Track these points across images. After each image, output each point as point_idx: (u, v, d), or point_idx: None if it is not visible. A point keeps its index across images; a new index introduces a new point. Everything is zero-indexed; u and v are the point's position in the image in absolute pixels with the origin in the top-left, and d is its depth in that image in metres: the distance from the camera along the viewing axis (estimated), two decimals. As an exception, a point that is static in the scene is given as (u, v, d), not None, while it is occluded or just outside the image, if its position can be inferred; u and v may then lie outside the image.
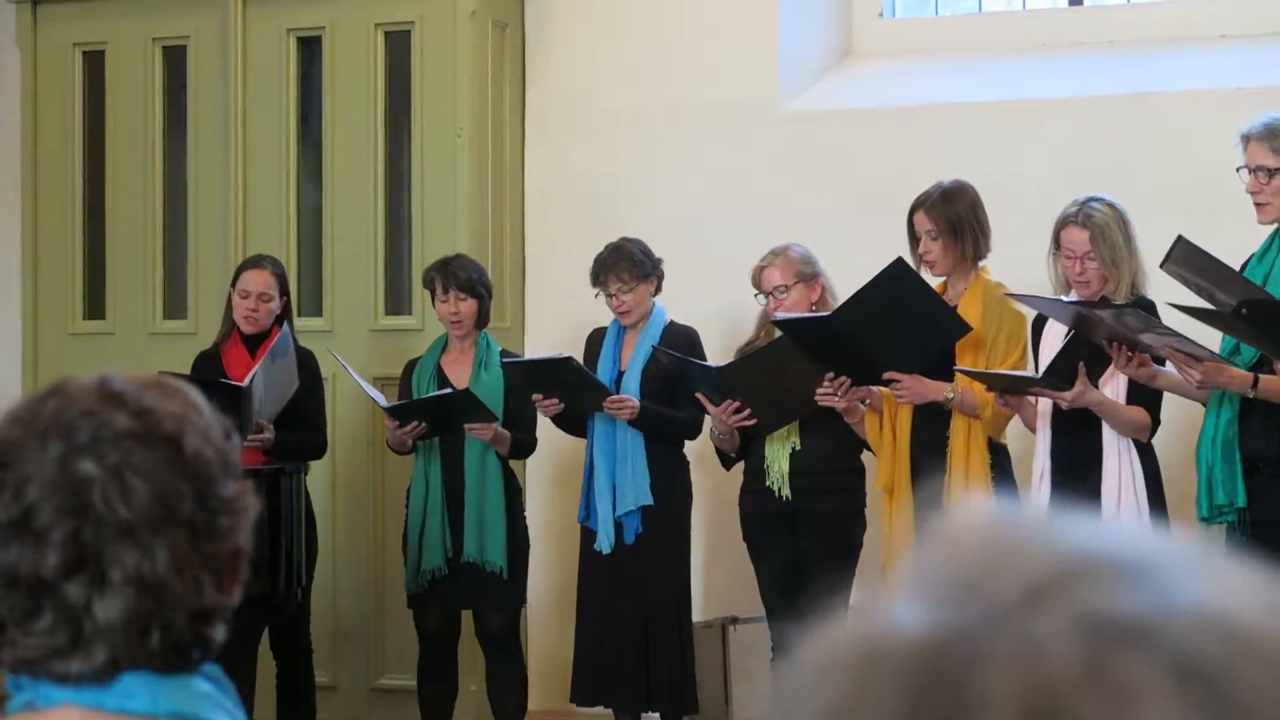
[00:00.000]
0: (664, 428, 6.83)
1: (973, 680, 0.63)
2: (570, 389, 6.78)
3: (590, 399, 6.77)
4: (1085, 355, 5.62)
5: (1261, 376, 5.37)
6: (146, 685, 1.69)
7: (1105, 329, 5.49)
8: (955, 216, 6.15)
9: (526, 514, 7.21)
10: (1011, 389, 5.89)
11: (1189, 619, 0.64)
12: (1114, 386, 5.75)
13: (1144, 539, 0.69)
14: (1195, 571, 0.67)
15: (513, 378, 6.92)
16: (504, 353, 7.13)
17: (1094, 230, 5.78)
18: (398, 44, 8.19)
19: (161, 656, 1.69)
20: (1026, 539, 0.68)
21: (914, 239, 6.22)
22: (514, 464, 7.19)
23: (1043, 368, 5.79)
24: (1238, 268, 5.58)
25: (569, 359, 6.76)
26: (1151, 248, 5.89)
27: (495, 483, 6.94)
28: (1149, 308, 5.66)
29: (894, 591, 0.68)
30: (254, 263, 7.22)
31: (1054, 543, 0.68)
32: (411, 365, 7.21)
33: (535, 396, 6.82)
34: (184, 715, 1.70)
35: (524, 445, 7.04)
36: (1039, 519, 0.70)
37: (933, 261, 6.17)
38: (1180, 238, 5.41)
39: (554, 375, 6.78)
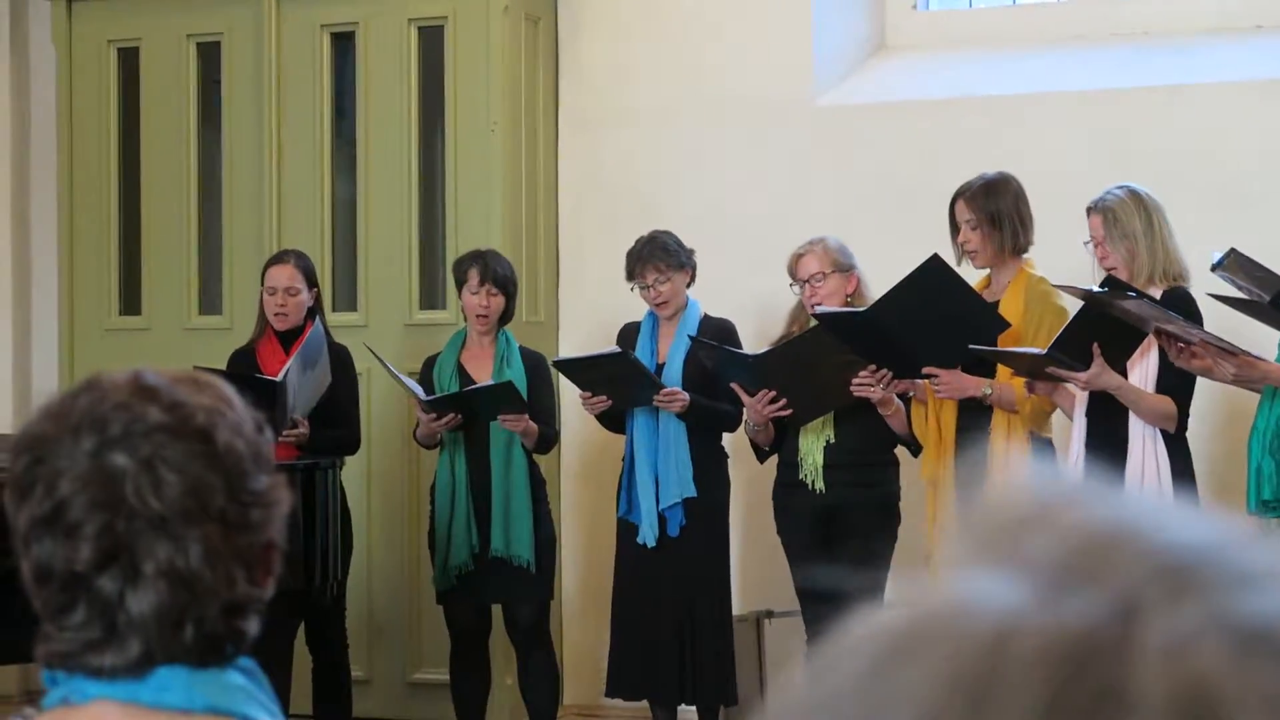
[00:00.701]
0: (709, 419, 6.83)
1: (1122, 675, 0.62)
2: (620, 384, 6.77)
3: (641, 393, 6.76)
4: (1103, 336, 5.56)
5: None
6: (181, 679, 1.69)
7: (1128, 316, 5.45)
8: (995, 207, 6.14)
9: (556, 508, 7.21)
10: (1029, 370, 5.85)
11: None
12: (1141, 373, 5.70)
13: (1247, 533, 0.67)
14: None
15: (569, 374, 6.92)
16: (523, 349, 7.12)
17: (1106, 215, 5.76)
18: (431, 39, 8.20)
19: (195, 649, 1.69)
20: (1124, 522, 0.67)
21: (955, 228, 6.22)
22: (544, 458, 7.19)
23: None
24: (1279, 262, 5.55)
25: (625, 352, 6.75)
26: (1187, 239, 5.86)
27: (521, 476, 6.94)
28: (1186, 300, 5.62)
29: (983, 570, 0.66)
30: (277, 259, 7.26)
31: (1158, 530, 0.66)
32: (430, 361, 7.21)
33: (582, 394, 6.82)
34: (219, 709, 1.70)
35: (548, 438, 7.04)
36: (1116, 498, 0.68)
37: (973, 252, 6.15)
38: (1232, 250, 5.37)
39: (605, 371, 6.77)
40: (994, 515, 0.69)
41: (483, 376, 7.00)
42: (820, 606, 6.40)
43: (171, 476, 1.67)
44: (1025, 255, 6.23)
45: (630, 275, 6.93)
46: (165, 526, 1.66)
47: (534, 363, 7.10)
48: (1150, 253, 5.72)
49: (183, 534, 1.67)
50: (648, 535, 6.80)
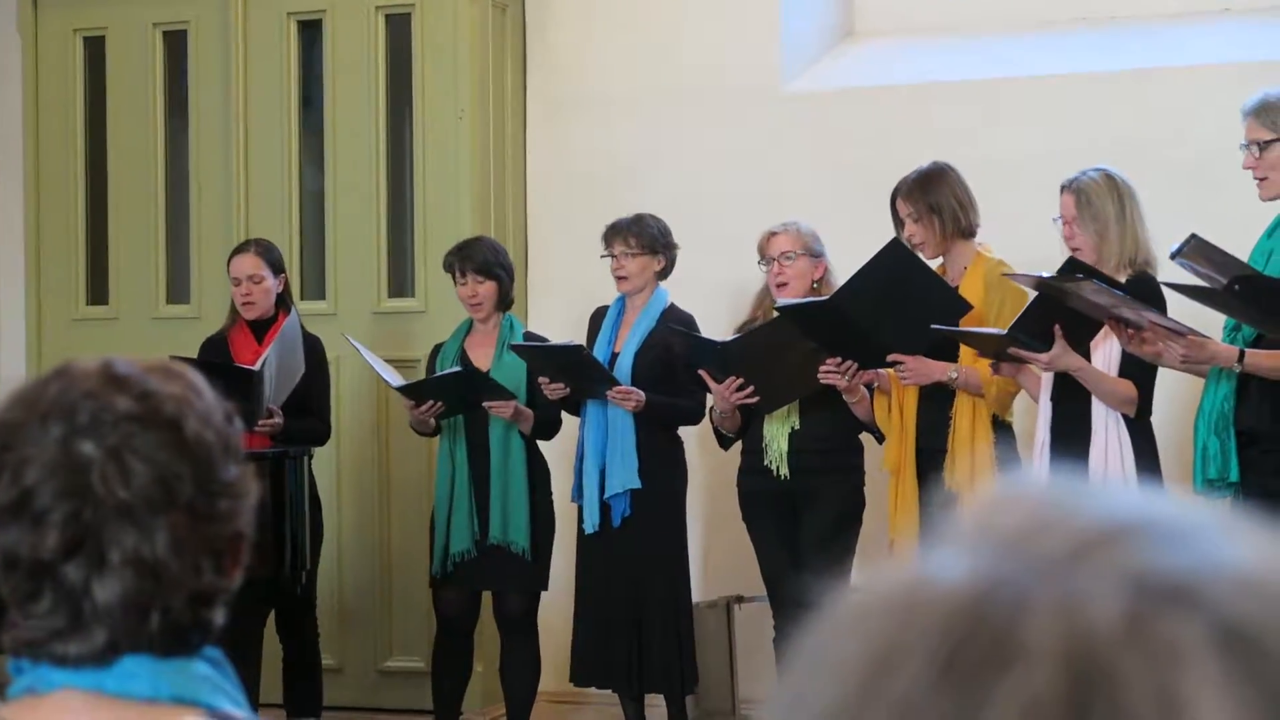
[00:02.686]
0: (669, 417, 6.82)
1: (1014, 629, 0.63)
2: (578, 376, 6.77)
3: (595, 387, 6.77)
4: (1065, 317, 5.57)
5: (1247, 351, 5.35)
6: (147, 668, 1.69)
7: (1080, 302, 5.47)
8: (933, 197, 6.18)
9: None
10: (992, 351, 5.87)
11: (1232, 581, 0.64)
12: (1103, 356, 5.71)
13: (1186, 505, 0.69)
14: (1235, 535, 0.67)
15: (525, 361, 6.91)
16: (528, 335, 7.13)
17: (1080, 196, 5.77)
18: (398, 27, 8.19)
19: (161, 639, 1.69)
20: (1072, 500, 0.68)
21: (899, 225, 6.27)
22: (541, 445, 7.17)
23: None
24: (1248, 244, 5.56)
25: (580, 347, 6.76)
26: (1154, 222, 5.87)
27: (519, 463, 6.92)
28: (1150, 285, 5.63)
29: (935, 547, 0.68)
30: (239, 249, 7.26)
31: (1100, 504, 0.68)
32: (436, 349, 7.20)
33: (541, 380, 6.82)
34: (185, 698, 1.70)
35: (549, 423, 7.00)
36: (1075, 486, 0.70)
37: (920, 244, 6.19)
38: (1193, 235, 5.39)
39: (563, 361, 6.77)
40: (972, 508, 0.70)
41: (484, 362, 6.99)
42: (786, 593, 6.41)
43: (139, 465, 1.67)
44: (977, 240, 6.25)
45: (605, 244, 6.94)
46: (132, 515, 1.66)
47: None
48: (1119, 238, 5.73)
49: (150, 523, 1.66)
50: (589, 523, 6.81)
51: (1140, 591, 0.63)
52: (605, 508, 6.79)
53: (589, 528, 6.80)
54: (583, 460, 6.88)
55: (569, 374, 6.77)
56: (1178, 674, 0.61)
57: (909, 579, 0.67)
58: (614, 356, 6.87)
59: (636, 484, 6.73)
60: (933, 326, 5.87)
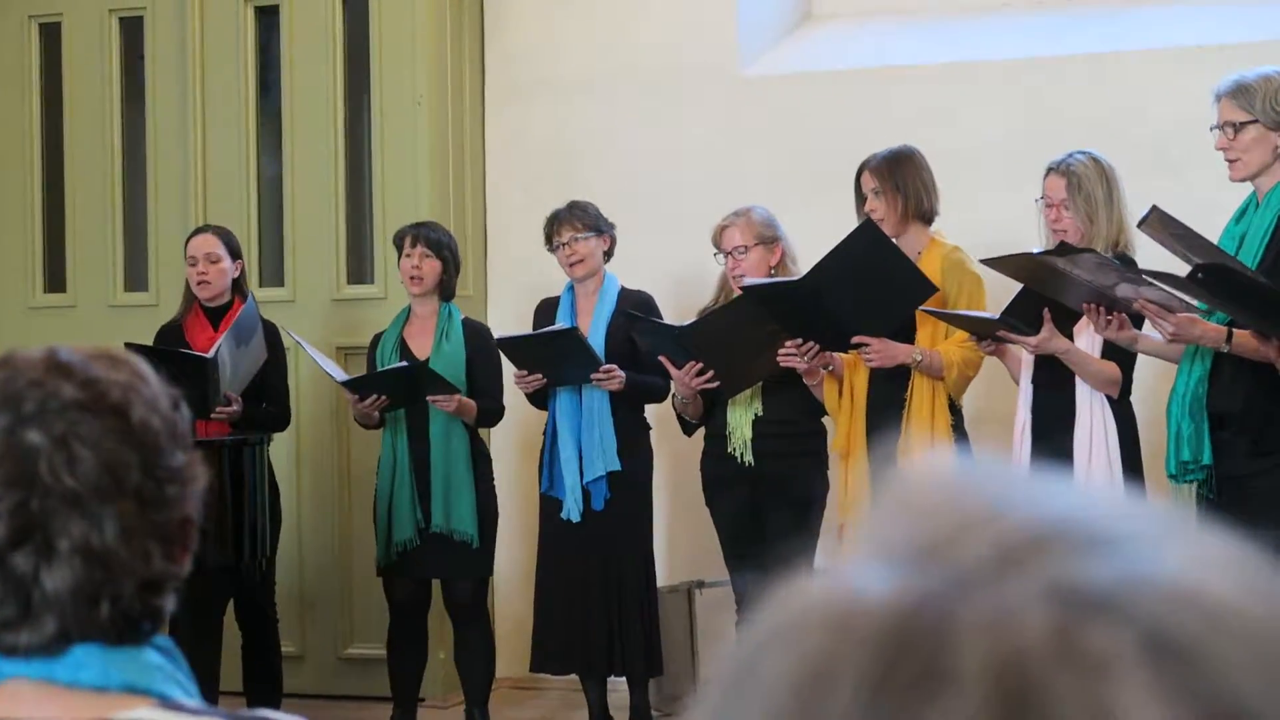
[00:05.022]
0: (640, 394, 6.84)
1: (943, 651, 0.62)
2: (560, 363, 6.75)
3: (579, 372, 6.76)
4: (1051, 301, 5.61)
5: (1235, 331, 5.37)
6: (97, 657, 1.68)
7: (1073, 284, 5.48)
8: (900, 175, 6.21)
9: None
10: (978, 333, 5.91)
11: (1162, 591, 0.63)
12: (1088, 338, 5.76)
13: (1116, 505, 0.67)
14: (1169, 542, 0.65)
15: (510, 353, 6.89)
16: (467, 322, 7.11)
17: (1071, 179, 5.82)
18: (356, 12, 8.17)
19: (111, 627, 1.68)
20: (994, 502, 0.67)
21: (861, 199, 6.29)
22: (481, 433, 7.18)
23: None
24: (1215, 227, 5.57)
25: (574, 329, 6.73)
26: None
27: (461, 452, 6.93)
28: (1130, 266, 5.65)
29: (856, 553, 0.67)
30: (197, 231, 7.25)
31: (1023, 507, 0.66)
32: (376, 339, 7.19)
33: (518, 374, 6.81)
34: (136, 687, 1.69)
35: (491, 413, 7.03)
36: (1004, 480, 0.68)
37: (880, 220, 6.20)
38: (1154, 207, 5.40)
39: (548, 350, 6.75)
40: (888, 506, 0.69)
41: (423, 350, 6.98)
42: (748, 577, 6.42)
43: (86, 453, 1.66)
44: (934, 227, 6.27)
45: (549, 239, 6.94)
46: (80, 504, 1.65)
47: (476, 335, 7.08)
48: (1107, 221, 5.78)
49: (98, 511, 1.66)
50: (572, 510, 6.80)
51: (1067, 604, 0.62)
52: (586, 493, 6.80)
53: (574, 515, 6.79)
54: (554, 449, 6.87)
55: (553, 363, 6.75)
56: (1109, 688, 0.60)
57: (835, 593, 0.65)
58: None
59: (617, 465, 6.75)
60: (920, 308, 5.92)
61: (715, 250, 6.66)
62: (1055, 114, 7.43)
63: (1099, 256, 5.41)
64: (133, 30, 8.48)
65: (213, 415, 6.74)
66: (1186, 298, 5.35)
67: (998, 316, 5.76)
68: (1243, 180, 5.54)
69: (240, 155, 8.24)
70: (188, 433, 1.76)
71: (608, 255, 6.98)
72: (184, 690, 1.72)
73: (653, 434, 7.04)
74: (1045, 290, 5.55)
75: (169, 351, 6.75)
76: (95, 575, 1.66)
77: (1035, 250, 5.62)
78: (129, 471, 1.67)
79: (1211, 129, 5.60)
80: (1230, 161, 5.55)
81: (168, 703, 1.69)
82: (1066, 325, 5.72)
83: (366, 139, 8.19)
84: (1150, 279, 5.36)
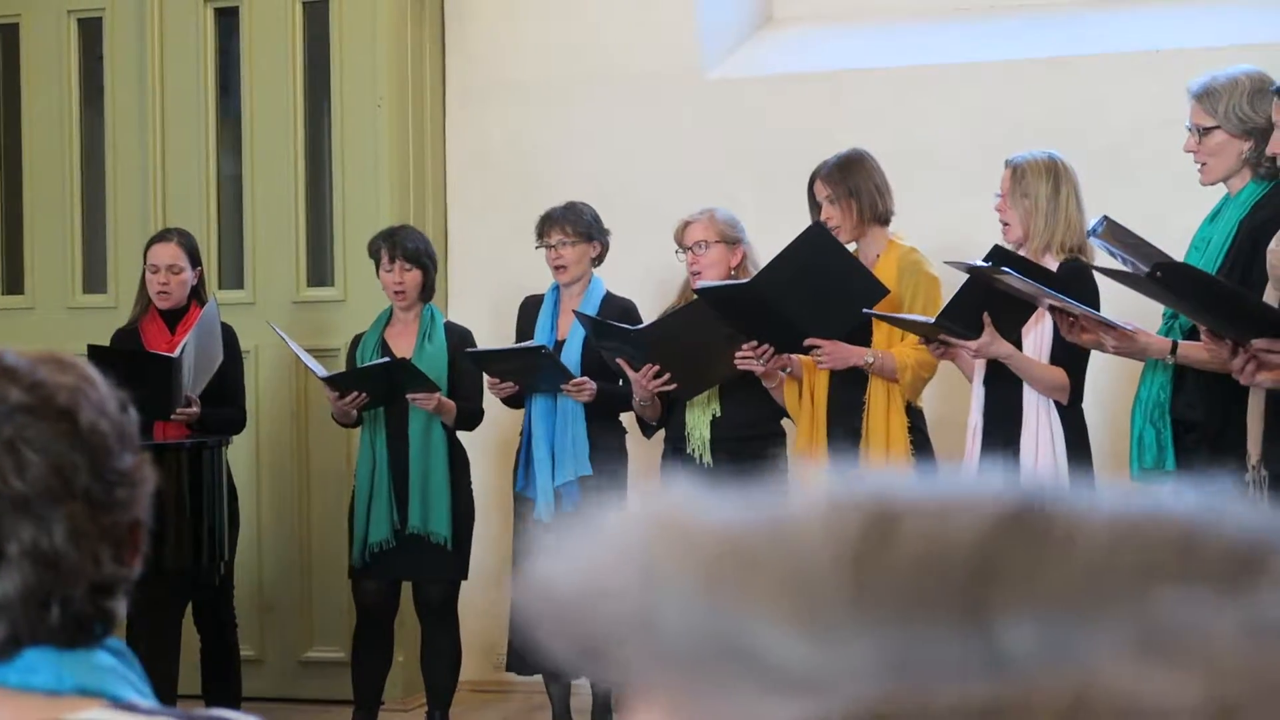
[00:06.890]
0: (610, 402, 6.83)
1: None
2: (531, 374, 6.76)
3: (550, 383, 6.76)
4: (994, 305, 5.58)
5: (1180, 343, 5.36)
6: (49, 660, 1.68)
7: (1012, 290, 5.48)
8: (852, 181, 6.21)
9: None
10: (922, 337, 5.90)
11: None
12: (1034, 342, 5.73)
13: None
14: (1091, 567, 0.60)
15: (481, 365, 6.88)
16: (449, 325, 7.09)
17: (1015, 171, 5.79)
18: (316, 14, 8.15)
19: (63, 631, 1.68)
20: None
21: (815, 208, 6.29)
22: (481, 435, 7.15)
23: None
24: (1172, 228, 5.59)
25: (543, 348, 6.72)
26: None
27: (440, 453, 6.92)
28: (1082, 272, 5.65)
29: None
30: (160, 237, 7.20)
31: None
32: (357, 339, 7.18)
33: (490, 381, 6.81)
34: (88, 690, 1.69)
35: (471, 415, 7.02)
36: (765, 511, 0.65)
37: (836, 227, 6.20)
38: (1105, 217, 5.41)
39: (518, 363, 6.76)
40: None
41: (405, 352, 6.98)
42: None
43: (34, 457, 1.65)
44: (891, 227, 6.28)
45: (539, 235, 6.93)
46: (29, 507, 1.65)
47: (458, 338, 7.07)
48: (1049, 220, 5.73)
49: (47, 514, 1.65)
50: (543, 512, 6.80)
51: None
52: (557, 496, 6.80)
53: (545, 516, 6.78)
54: (529, 450, 6.87)
55: (524, 373, 6.75)
56: None
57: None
58: (559, 344, 6.87)
59: (588, 470, 6.75)
60: (864, 310, 5.90)
61: (677, 248, 6.66)
62: (1014, 118, 7.46)
63: (1015, 275, 5.37)
64: (91, 31, 8.45)
65: (173, 416, 6.72)
66: (1108, 317, 5.35)
67: (934, 320, 5.74)
68: (1213, 184, 5.54)
69: (200, 157, 8.21)
70: (136, 435, 1.76)
71: (598, 261, 6.98)
72: (137, 691, 1.72)
73: (627, 437, 7.04)
74: (998, 286, 5.54)
75: (133, 352, 6.74)
76: (45, 579, 1.66)
77: (975, 262, 5.59)
78: (77, 474, 1.67)
79: (1186, 127, 5.58)
80: (1199, 165, 5.54)
81: (120, 704, 1.69)
82: (1015, 328, 5.69)
83: (327, 141, 8.18)
84: (1073, 301, 5.35)
